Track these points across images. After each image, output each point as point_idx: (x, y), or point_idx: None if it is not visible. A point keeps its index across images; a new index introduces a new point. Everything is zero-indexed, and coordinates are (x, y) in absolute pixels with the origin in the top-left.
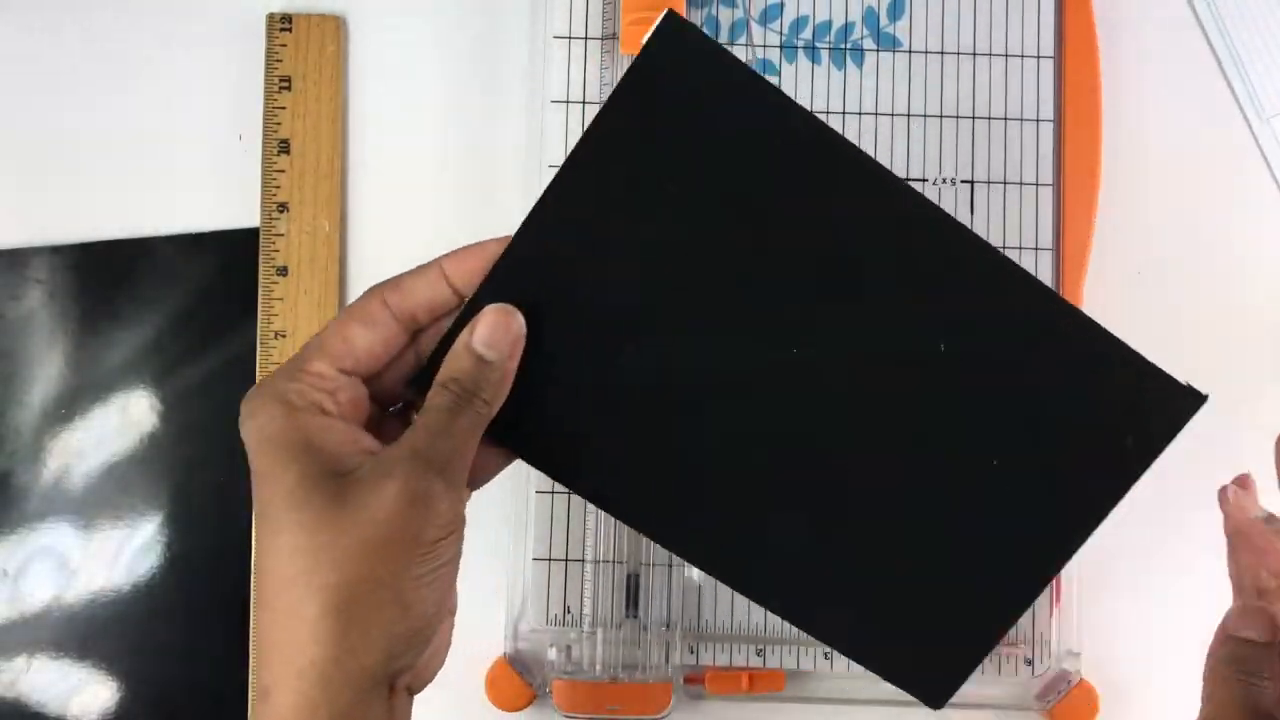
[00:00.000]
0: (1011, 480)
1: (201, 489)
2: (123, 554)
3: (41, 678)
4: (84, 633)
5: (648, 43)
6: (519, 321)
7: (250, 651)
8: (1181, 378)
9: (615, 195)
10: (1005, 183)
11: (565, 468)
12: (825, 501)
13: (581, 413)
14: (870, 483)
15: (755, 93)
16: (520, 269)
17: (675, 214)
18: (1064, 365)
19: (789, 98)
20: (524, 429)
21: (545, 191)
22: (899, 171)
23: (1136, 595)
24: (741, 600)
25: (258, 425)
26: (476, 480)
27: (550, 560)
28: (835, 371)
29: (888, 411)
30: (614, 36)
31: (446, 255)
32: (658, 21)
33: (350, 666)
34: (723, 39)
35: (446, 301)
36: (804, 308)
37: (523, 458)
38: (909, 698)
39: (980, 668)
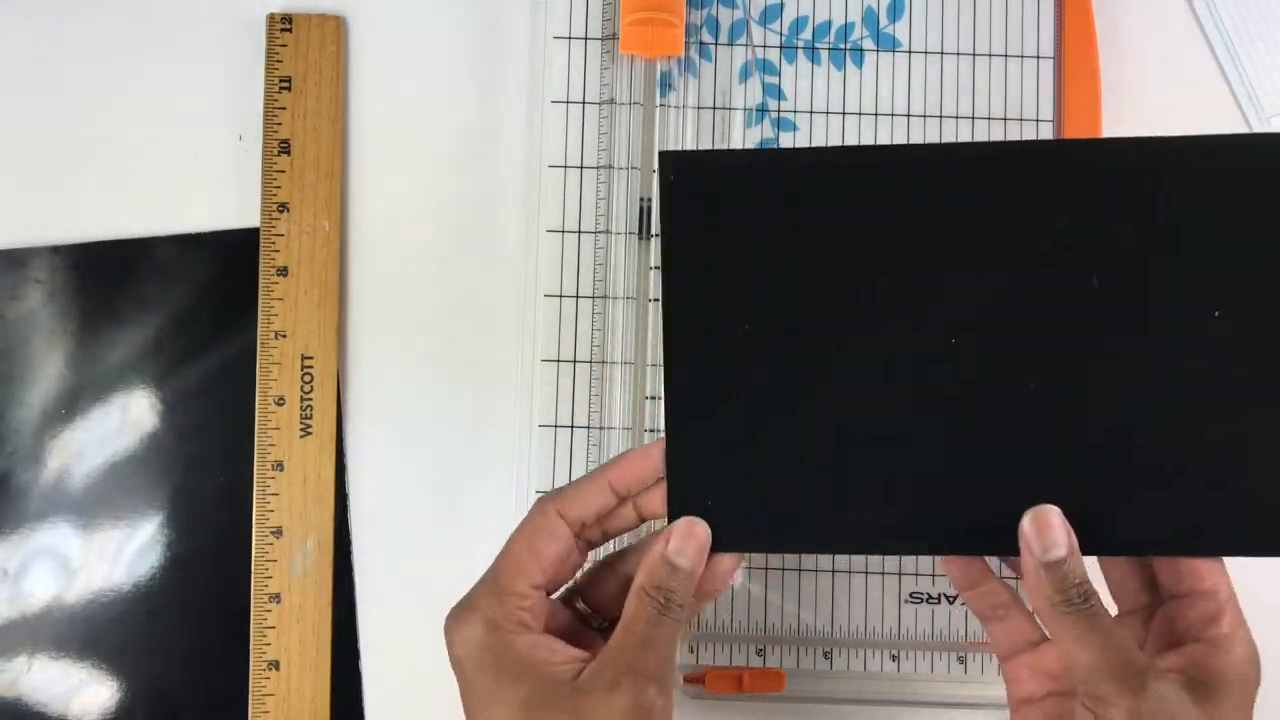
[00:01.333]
0: None
1: (201, 489)
2: (123, 554)
3: (41, 678)
4: (84, 633)
5: (662, 180)
6: (705, 530)
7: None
8: None
9: (720, 301)
10: None
11: (807, 534)
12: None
13: (795, 487)
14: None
15: (768, 161)
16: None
17: (786, 287)
18: None
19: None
20: (744, 527)
21: (665, 339)
22: None
23: None
24: (741, 600)
25: (473, 647)
26: (709, 596)
27: None
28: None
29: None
30: (614, 36)
31: (610, 465)
32: (658, 164)
33: None
34: (722, 39)
35: (608, 506)
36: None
37: (757, 550)
38: (908, 697)
39: (980, 666)
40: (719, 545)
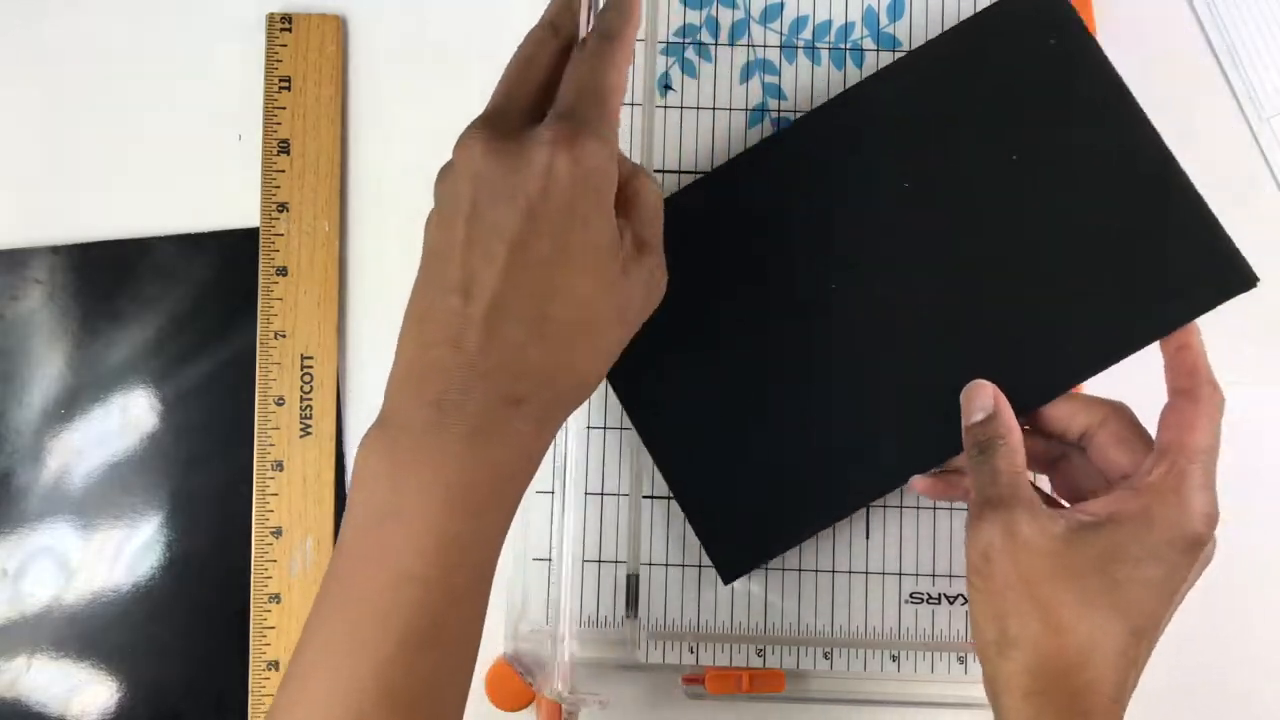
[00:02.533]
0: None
1: (201, 489)
2: (123, 554)
3: (41, 678)
4: (84, 633)
5: None
6: None
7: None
8: None
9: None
10: None
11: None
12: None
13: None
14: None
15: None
16: None
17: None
18: (1141, 207)
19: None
20: (757, 542)
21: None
22: None
23: None
24: (741, 600)
25: (594, 169)
26: None
27: (550, 560)
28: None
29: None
30: None
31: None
32: None
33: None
34: (723, 39)
35: None
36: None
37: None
38: (908, 697)
39: (980, 667)
40: (745, 567)
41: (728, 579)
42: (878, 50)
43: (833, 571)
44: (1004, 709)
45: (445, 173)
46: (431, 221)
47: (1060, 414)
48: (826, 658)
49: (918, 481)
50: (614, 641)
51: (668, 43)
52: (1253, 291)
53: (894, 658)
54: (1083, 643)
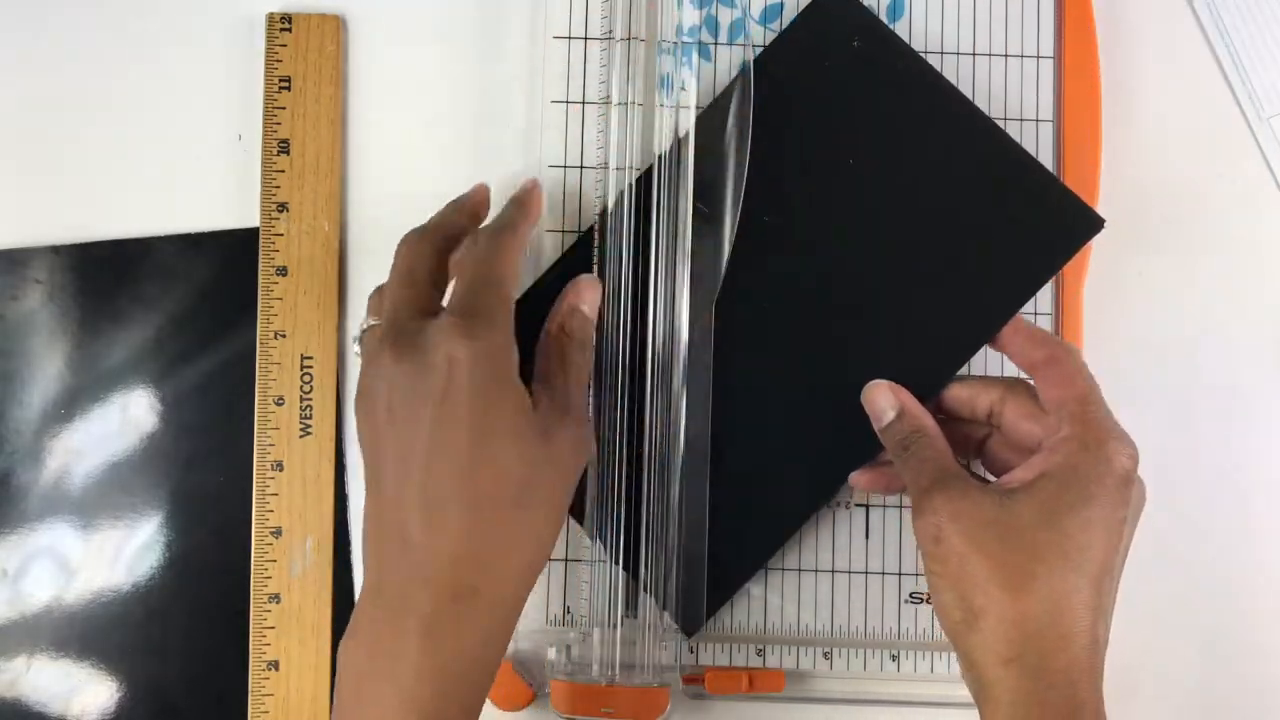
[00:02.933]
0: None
1: (201, 489)
2: (123, 554)
3: (41, 678)
4: (84, 633)
5: None
6: (597, 281)
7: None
8: (1183, 379)
9: None
10: None
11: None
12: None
13: None
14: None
15: None
16: None
17: None
18: (980, 179)
19: None
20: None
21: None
22: None
23: (1135, 595)
24: (741, 601)
25: (491, 353)
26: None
27: (550, 560)
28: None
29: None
30: (614, 37)
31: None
32: None
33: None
34: (722, 39)
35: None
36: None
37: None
38: (908, 697)
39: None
40: (726, 594)
41: (690, 632)
42: None
43: (833, 571)
44: (985, 683)
45: (360, 393)
46: (360, 434)
47: (962, 396)
48: (826, 658)
49: (857, 479)
50: (613, 642)
51: (674, 41)
52: (1258, 290)
53: (894, 658)
54: (1045, 600)
